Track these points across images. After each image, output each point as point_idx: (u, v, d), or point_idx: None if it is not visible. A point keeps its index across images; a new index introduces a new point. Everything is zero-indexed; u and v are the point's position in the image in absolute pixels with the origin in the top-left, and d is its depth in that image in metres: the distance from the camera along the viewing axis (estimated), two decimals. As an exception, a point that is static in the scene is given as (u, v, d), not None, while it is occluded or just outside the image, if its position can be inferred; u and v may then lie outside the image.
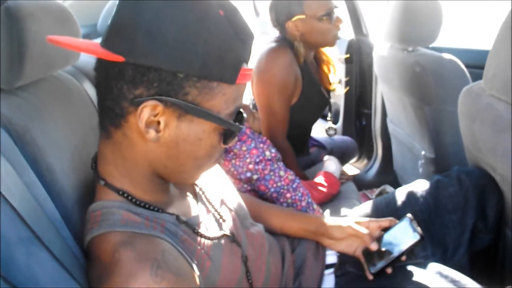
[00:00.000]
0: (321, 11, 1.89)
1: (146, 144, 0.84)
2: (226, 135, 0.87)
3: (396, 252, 1.17)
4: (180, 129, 0.82)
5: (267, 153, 1.66)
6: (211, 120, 0.83)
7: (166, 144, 0.83)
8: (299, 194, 1.66)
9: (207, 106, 0.81)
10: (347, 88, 2.70)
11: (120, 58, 0.76)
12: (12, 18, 0.88)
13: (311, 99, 2.04)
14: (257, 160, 1.63)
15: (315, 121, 2.23)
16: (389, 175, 2.73)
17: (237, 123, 0.87)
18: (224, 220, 1.04)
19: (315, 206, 1.70)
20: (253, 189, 1.69)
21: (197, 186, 1.06)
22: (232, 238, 1.03)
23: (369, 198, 2.69)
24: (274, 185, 1.64)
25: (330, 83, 2.16)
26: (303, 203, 1.66)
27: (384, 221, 1.25)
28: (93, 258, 0.82)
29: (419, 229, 1.18)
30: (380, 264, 1.18)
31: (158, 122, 0.80)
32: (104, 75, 0.80)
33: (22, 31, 0.89)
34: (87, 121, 0.83)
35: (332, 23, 1.91)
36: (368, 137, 2.98)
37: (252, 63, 2.02)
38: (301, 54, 1.94)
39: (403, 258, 1.18)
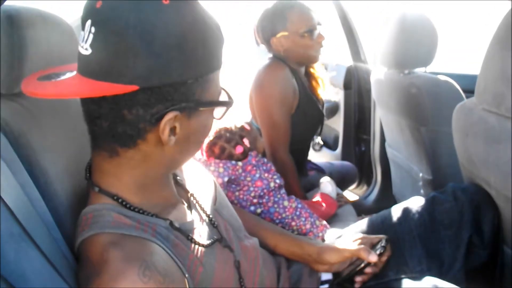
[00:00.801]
0: (303, 28, 1.97)
1: (162, 152, 0.87)
2: (226, 111, 0.94)
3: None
4: (191, 125, 0.86)
5: (272, 184, 1.67)
6: (213, 106, 0.90)
7: (179, 143, 0.87)
8: (303, 219, 1.67)
9: (209, 97, 0.87)
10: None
11: (134, 88, 0.76)
12: (13, 24, 0.90)
13: (308, 112, 2.08)
14: (261, 193, 1.64)
15: (311, 136, 2.27)
16: (388, 200, 2.71)
17: (228, 96, 0.93)
18: (216, 227, 1.05)
19: (318, 222, 1.70)
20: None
21: (189, 192, 1.06)
22: (224, 243, 1.03)
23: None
24: (279, 216, 1.66)
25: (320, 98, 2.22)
26: (308, 225, 1.68)
27: (375, 238, 1.26)
28: (82, 259, 0.83)
29: (387, 246, 1.24)
30: (345, 272, 1.23)
31: (175, 127, 0.83)
32: (112, 106, 0.80)
33: (23, 38, 0.91)
34: (84, 129, 0.85)
35: (314, 40, 1.99)
36: (368, 163, 2.99)
37: (249, 81, 2.08)
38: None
39: (368, 269, 1.21)
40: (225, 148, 1.69)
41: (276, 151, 1.98)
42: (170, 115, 0.80)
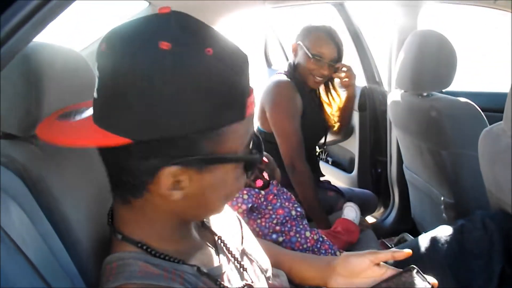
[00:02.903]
0: (314, 50, 2.13)
1: (171, 204, 0.80)
2: (248, 165, 0.84)
3: None
4: (204, 180, 0.78)
5: (293, 212, 1.67)
6: (231, 162, 0.79)
7: (193, 197, 0.79)
8: (323, 251, 1.66)
9: (224, 151, 0.77)
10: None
11: (127, 141, 0.71)
12: (29, 62, 0.86)
13: (311, 118, 2.22)
14: (284, 221, 1.63)
15: (315, 143, 2.44)
16: (407, 222, 2.67)
17: (255, 152, 0.84)
18: (245, 269, 1.00)
19: (338, 253, 1.68)
20: None
21: (216, 235, 1.02)
22: None
23: (388, 247, 2.62)
24: (300, 247, 1.64)
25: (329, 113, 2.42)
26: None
27: (401, 253, 1.16)
28: None
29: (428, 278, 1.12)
30: None
31: (179, 181, 0.76)
32: (112, 156, 0.76)
33: (39, 76, 0.87)
34: (102, 168, 0.81)
35: (317, 67, 2.14)
36: (385, 184, 2.94)
37: (258, 95, 2.18)
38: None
39: None
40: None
41: (294, 160, 2.09)
42: (167, 170, 0.74)
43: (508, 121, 1.31)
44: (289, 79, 2.18)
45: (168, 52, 0.68)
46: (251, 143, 0.82)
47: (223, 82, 0.72)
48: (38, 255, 0.71)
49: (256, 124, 2.32)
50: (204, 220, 1.01)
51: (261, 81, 2.46)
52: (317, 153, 2.56)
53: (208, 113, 0.72)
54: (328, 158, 3.27)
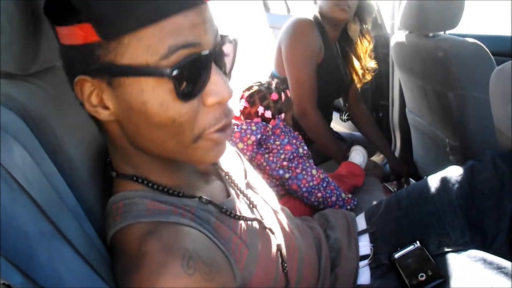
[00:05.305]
0: None
1: (116, 129, 0.76)
2: (177, 92, 0.68)
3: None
4: (120, 98, 0.70)
5: (300, 150, 1.67)
6: (138, 74, 0.67)
7: (124, 121, 0.73)
8: (329, 191, 1.65)
9: (128, 62, 0.66)
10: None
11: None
12: None
13: (329, 73, 2.12)
14: (291, 157, 1.62)
15: (331, 100, 2.33)
16: (409, 166, 2.65)
17: (179, 71, 0.66)
18: (254, 206, 0.97)
19: (343, 195, 1.67)
20: (282, 186, 1.66)
21: (222, 170, 0.99)
22: (265, 225, 0.96)
23: (390, 191, 2.62)
24: (307, 184, 1.63)
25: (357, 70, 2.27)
26: (333, 198, 1.67)
27: None
28: (117, 253, 0.75)
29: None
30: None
31: (100, 98, 0.71)
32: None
33: (38, 10, 0.80)
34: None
35: None
36: (386, 129, 2.91)
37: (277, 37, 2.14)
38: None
39: None
40: (261, 90, 1.76)
41: (304, 106, 2.01)
42: (79, 81, 0.70)
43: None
44: (311, 19, 2.08)
45: None
46: (185, 62, 0.67)
47: None
48: (43, 195, 0.68)
49: (272, 69, 2.24)
50: None
51: (260, 25, 2.38)
52: (331, 113, 2.44)
53: (104, 15, 0.64)
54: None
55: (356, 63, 2.24)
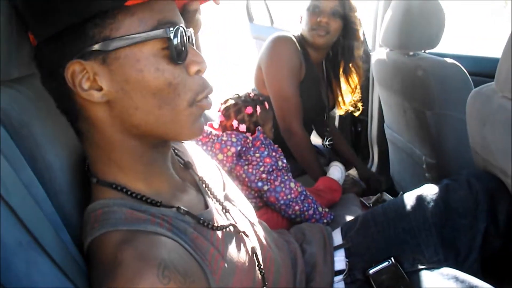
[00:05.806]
0: (309, 3, 2.03)
1: (105, 113, 0.78)
2: (172, 51, 0.76)
3: None
4: (115, 73, 0.74)
5: (280, 163, 1.68)
6: (133, 43, 0.73)
7: (118, 101, 0.76)
8: (306, 205, 1.66)
9: (120, 34, 0.73)
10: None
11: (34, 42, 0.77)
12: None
13: (308, 91, 2.11)
14: (270, 169, 1.63)
15: (310, 119, 2.26)
16: (385, 181, 2.68)
17: (171, 28, 0.75)
18: (227, 211, 0.98)
19: (320, 209, 1.69)
20: (260, 198, 1.67)
21: (198, 176, 0.99)
22: (239, 229, 0.97)
23: (366, 206, 2.63)
24: (285, 197, 1.64)
25: (343, 99, 2.30)
26: (310, 211, 1.68)
27: None
28: (94, 261, 0.75)
29: None
30: None
31: (92, 80, 0.74)
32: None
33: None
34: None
35: (313, 16, 2.01)
36: (364, 143, 2.94)
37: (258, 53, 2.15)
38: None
39: None
40: (237, 103, 1.77)
41: (289, 124, 2.01)
42: (70, 68, 0.73)
43: (501, 82, 1.29)
44: (291, 36, 2.08)
45: None
46: (174, 30, 0.76)
47: None
48: (22, 204, 0.67)
49: (252, 86, 2.23)
50: (184, 159, 0.99)
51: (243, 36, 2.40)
52: (310, 133, 2.42)
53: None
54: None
55: (338, 88, 2.27)
